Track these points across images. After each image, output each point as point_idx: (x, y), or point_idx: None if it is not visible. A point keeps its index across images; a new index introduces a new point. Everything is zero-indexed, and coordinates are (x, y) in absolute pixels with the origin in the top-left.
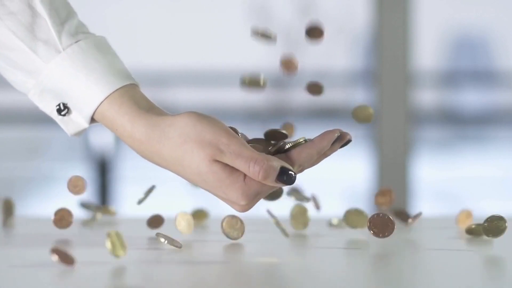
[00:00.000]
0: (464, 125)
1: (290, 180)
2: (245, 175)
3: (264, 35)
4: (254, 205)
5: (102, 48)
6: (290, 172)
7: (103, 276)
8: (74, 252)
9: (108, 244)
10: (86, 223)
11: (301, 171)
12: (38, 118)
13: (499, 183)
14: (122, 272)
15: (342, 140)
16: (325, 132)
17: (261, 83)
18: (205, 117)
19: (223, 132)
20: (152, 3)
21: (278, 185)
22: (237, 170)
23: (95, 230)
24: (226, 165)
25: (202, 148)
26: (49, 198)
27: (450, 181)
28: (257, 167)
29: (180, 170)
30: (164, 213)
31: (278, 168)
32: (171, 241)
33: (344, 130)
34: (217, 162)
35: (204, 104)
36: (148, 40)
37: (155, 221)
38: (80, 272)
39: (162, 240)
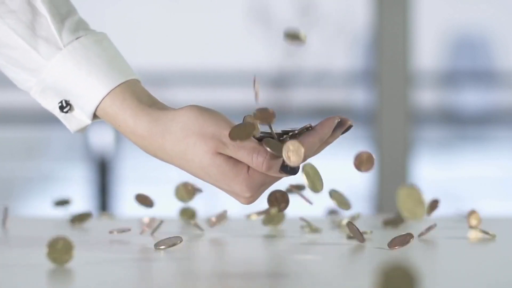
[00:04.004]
0: (464, 125)
1: (294, 170)
2: (248, 167)
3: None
4: (258, 197)
5: (103, 44)
6: None
7: (100, 276)
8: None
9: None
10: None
11: (304, 160)
12: (38, 118)
13: (499, 183)
14: (119, 271)
15: (343, 127)
16: (325, 119)
17: (302, 37)
18: (206, 110)
19: (225, 125)
20: (152, 3)
21: (282, 175)
22: (240, 162)
23: (94, 230)
24: (229, 157)
25: (204, 141)
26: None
27: (450, 181)
28: (261, 158)
29: (184, 164)
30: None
31: (282, 158)
32: (171, 244)
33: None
34: (220, 155)
35: (204, 104)
36: (148, 40)
37: (144, 200)
38: (76, 272)
39: (162, 247)
